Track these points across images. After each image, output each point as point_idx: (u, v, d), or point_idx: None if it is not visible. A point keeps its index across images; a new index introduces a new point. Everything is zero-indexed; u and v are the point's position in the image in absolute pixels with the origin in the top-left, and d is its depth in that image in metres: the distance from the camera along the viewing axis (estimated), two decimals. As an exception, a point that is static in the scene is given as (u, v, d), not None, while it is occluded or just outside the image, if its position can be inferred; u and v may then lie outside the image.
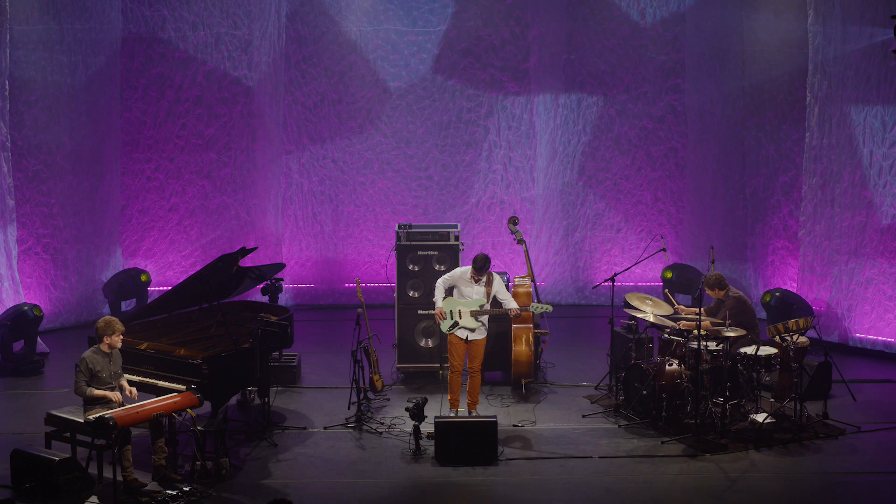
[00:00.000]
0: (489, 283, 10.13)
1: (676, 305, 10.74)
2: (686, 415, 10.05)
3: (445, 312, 10.05)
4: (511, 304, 10.22)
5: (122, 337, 8.93)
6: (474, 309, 10.04)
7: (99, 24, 14.76)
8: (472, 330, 10.10)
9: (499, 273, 11.65)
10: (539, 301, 11.56)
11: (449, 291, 10.22)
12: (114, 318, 8.99)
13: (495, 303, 10.31)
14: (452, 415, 10.17)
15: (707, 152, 15.57)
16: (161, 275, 15.61)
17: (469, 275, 10.08)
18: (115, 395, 8.78)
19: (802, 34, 13.52)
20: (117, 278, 15.02)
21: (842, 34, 12.81)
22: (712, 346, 10.09)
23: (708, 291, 10.61)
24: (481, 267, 10.01)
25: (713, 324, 10.23)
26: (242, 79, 15.56)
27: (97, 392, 8.71)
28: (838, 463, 9.25)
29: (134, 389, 9.03)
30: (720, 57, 15.17)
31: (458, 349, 10.15)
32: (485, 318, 10.15)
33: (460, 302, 10.10)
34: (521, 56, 15.80)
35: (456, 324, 10.05)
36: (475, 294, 10.09)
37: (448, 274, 10.31)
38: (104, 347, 8.84)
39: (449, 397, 10.34)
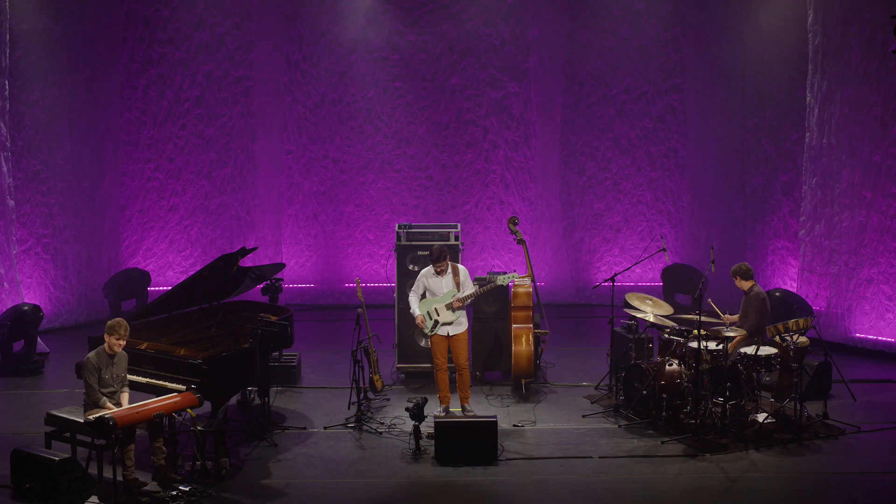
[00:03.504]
0: (455, 273, 10.28)
1: (724, 316, 10.57)
2: (686, 415, 10.04)
3: (423, 316, 10.21)
4: (469, 290, 10.31)
5: (121, 342, 8.85)
6: (448, 302, 10.17)
7: (99, 24, 14.77)
8: (450, 323, 10.21)
9: (499, 273, 11.68)
10: (539, 306, 11.65)
11: (422, 296, 10.37)
12: (121, 321, 8.79)
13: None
14: (442, 412, 10.24)
15: (707, 152, 15.57)
16: (161, 275, 15.62)
17: (432, 272, 10.24)
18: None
19: (802, 34, 13.52)
20: (117, 278, 15.03)
21: (842, 34, 12.80)
22: (712, 346, 10.08)
23: (736, 280, 10.48)
24: (437, 257, 10.17)
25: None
26: (242, 79, 15.58)
27: (109, 404, 8.65)
28: (838, 463, 9.24)
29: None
30: (720, 57, 15.18)
31: (440, 347, 10.27)
32: (462, 312, 10.26)
33: (433, 300, 10.25)
34: (521, 56, 15.81)
35: (436, 322, 10.15)
36: (445, 287, 10.24)
37: (414, 285, 10.47)
38: (107, 348, 8.80)
39: (439, 395, 10.40)
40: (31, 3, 13.81)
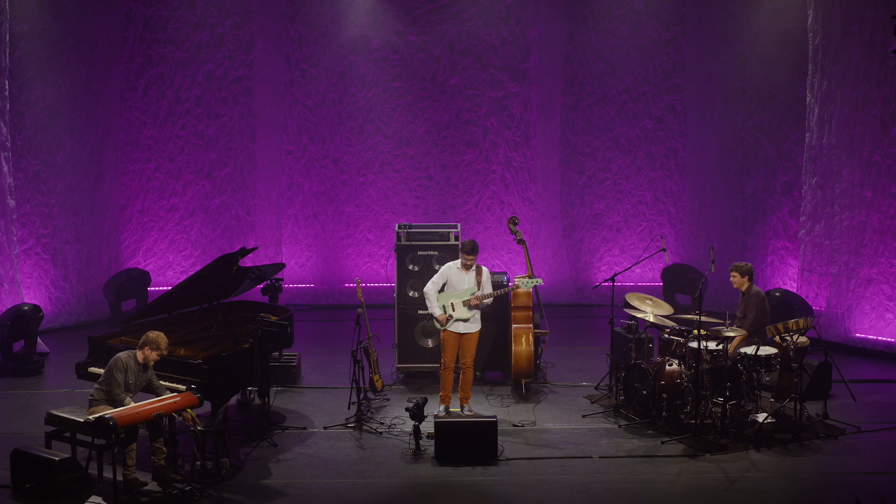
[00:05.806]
0: (479, 273, 10.26)
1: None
2: (686, 415, 10.04)
3: (441, 311, 10.19)
4: (488, 290, 10.31)
5: (159, 356, 8.86)
6: (466, 298, 10.15)
7: (99, 24, 14.77)
8: (466, 320, 10.20)
9: (499, 273, 11.68)
10: (539, 306, 11.63)
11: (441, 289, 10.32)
12: (164, 337, 8.84)
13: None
14: (443, 411, 10.23)
15: (707, 152, 15.57)
16: (161, 275, 15.62)
17: (459, 265, 10.22)
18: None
19: (802, 34, 13.52)
20: (117, 278, 15.02)
21: (842, 34, 12.80)
22: (712, 346, 10.08)
23: (734, 276, 10.38)
24: (471, 249, 10.14)
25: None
26: (242, 79, 15.58)
27: (131, 402, 8.66)
28: (838, 463, 9.24)
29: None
30: (720, 57, 15.18)
31: (451, 345, 10.24)
32: (477, 311, 10.23)
33: (452, 295, 10.22)
34: (521, 56, 15.81)
35: (450, 317, 10.14)
36: (466, 283, 10.22)
37: (436, 275, 10.36)
38: (140, 357, 8.80)
39: (441, 394, 10.39)
40: (31, 3, 13.80)
